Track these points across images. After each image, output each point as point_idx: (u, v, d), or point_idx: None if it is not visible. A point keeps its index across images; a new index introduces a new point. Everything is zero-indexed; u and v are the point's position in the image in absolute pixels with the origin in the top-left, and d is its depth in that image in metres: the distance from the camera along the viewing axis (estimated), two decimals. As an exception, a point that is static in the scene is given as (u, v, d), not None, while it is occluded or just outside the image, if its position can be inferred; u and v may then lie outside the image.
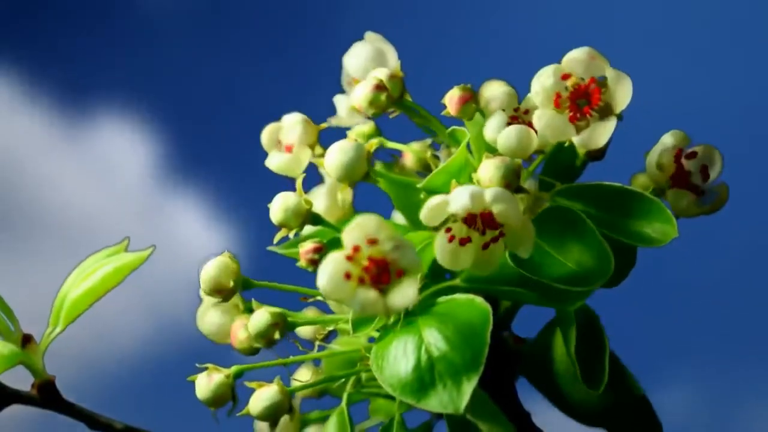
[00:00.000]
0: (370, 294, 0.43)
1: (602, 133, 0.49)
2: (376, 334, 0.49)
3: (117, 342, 1.21)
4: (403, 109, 0.54)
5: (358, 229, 0.44)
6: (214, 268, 0.51)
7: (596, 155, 0.53)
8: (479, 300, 0.46)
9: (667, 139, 0.52)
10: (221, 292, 0.51)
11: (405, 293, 0.43)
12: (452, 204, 0.45)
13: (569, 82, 0.49)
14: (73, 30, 1.30)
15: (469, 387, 0.43)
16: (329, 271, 0.43)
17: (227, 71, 1.20)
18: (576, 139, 0.49)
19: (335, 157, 0.50)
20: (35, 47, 1.29)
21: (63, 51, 1.30)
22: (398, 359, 0.45)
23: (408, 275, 0.43)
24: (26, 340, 0.53)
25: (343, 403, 0.52)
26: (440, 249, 0.46)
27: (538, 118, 0.49)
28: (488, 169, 0.48)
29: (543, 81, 0.50)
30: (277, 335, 0.50)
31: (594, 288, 0.47)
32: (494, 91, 0.51)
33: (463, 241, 0.46)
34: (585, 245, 0.47)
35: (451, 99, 0.52)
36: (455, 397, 0.43)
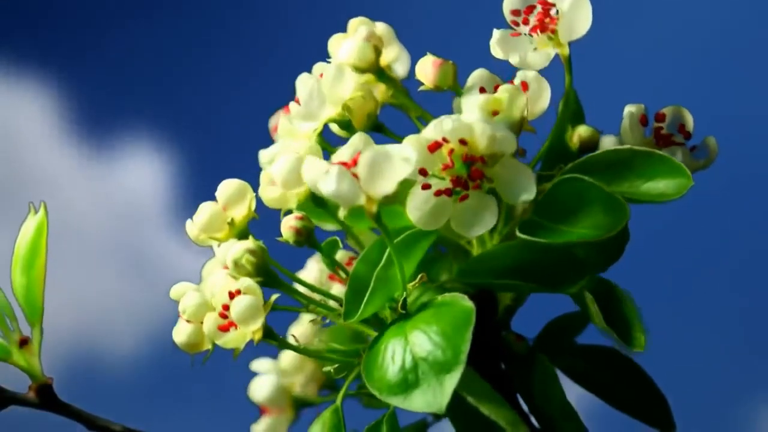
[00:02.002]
0: (347, 175, 0.43)
1: (579, 15, 0.49)
2: (370, 331, 0.49)
3: (115, 344, 1.21)
4: (387, 82, 0.53)
5: (350, 148, 0.44)
6: (232, 184, 0.50)
7: (589, 146, 0.52)
8: (463, 299, 0.46)
9: (628, 110, 0.52)
10: (218, 229, 0.50)
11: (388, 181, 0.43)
12: (427, 128, 0.45)
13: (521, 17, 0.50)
14: (99, 55, 1.31)
15: (450, 384, 0.43)
16: (314, 161, 0.44)
17: (246, 100, 1.21)
18: (560, 35, 0.49)
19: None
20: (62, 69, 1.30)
21: (90, 76, 1.31)
22: (385, 363, 0.45)
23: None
24: (24, 342, 0.53)
25: (338, 402, 0.51)
26: (414, 200, 0.45)
27: (514, 60, 0.49)
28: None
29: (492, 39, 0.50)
30: (247, 259, 0.48)
31: (606, 235, 0.46)
32: (472, 79, 0.50)
33: (438, 192, 0.45)
34: (593, 205, 0.47)
35: (425, 68, 0.52)
36: (438, 395, 0.43)
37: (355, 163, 0.44)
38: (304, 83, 0.51)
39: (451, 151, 0.45)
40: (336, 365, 0.51)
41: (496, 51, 0.50)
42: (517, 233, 0.47)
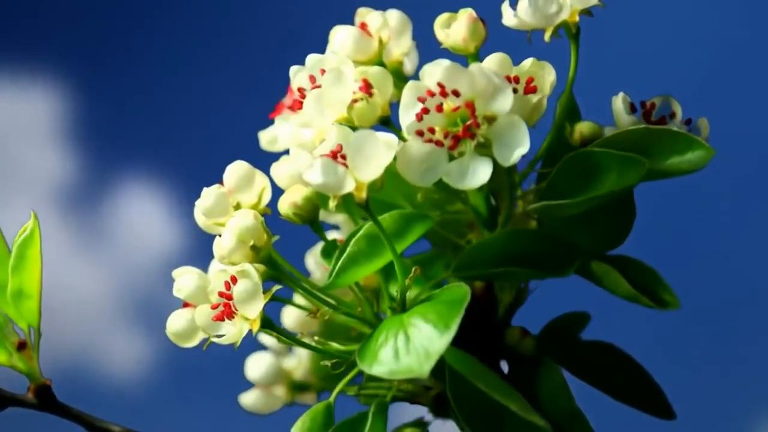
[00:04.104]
0: (332, 164, 0.43)
1: None
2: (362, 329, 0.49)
3: (115, 348, 1.21)
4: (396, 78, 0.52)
5: (331, 141, 0.45)
6: (239, 167, 0.49)
7: (591, 142, 0.52)
8: (459, 285, 0.45)
9: (616, 98, 0.52)
10: (223, 213, 0.48)
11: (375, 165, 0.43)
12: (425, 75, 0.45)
13: None
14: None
15: (437, 347, 0.43)
16: (299, 154, 0.44)
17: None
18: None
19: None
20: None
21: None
22: (378, 344, 0.45)
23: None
24: (22, 345, 0.53)
25: (332, 398, 0.51)
26: (407, 152, 0.45)
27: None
28: None
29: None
30: (256, 243, 0.47)
31: (629, 185, 0.46)
32: (488, 63, 0.49)
33: (429, 140, 0.45)
34: (606, 172, 0.47)
35: (456, 23, 0.50)
36: (424, 360, 0.43)
37: (335, 155, 0.44)
38: (296, 75, 0.50)
39: (444, 93, 0.45)
40: (334, 360, 0.50)
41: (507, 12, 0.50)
42: (528, 207, 0.47)
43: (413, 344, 0.44)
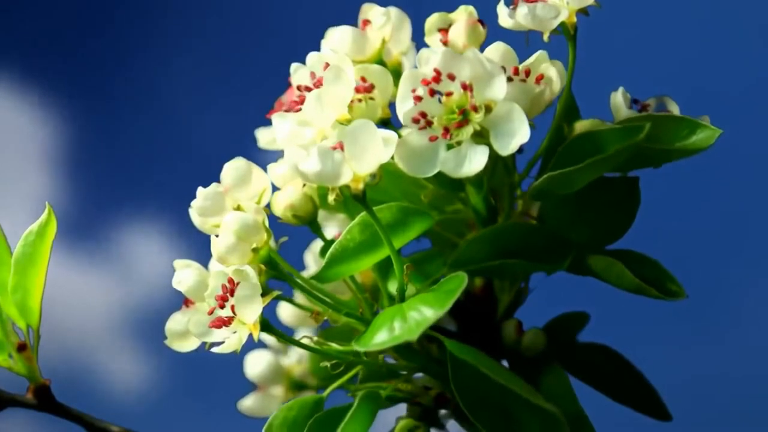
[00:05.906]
0: (330, 153, 0.43)
1: None
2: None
3: (115, 358, 1.22)
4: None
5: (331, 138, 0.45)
6: (236, 164, 0.48)
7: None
8: (457, 274, 0.45)
9: (615, 92, 0.52)
10: (218, 212, 0.47)
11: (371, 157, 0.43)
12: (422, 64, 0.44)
13: None
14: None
15: (426, 320, 0.43)
16: (295, 148, 0.45)
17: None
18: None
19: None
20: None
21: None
22: (377, 328, 0.45)
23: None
24: (22, 347, 0.53)
25: (325, 394, 0.51)
26: (404, 145, 0.45)
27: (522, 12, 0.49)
28: None
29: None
30: (255, 242, 0.46)
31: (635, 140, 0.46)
32: (491, 53, 0.48)
33: (423, 128, 0.45)
34: (607, 148, 0.47)
35: (455, 31, 0.50)
36: (413, 329, 0.43)
37: (334, 150, 0.43)
38: (297, 72, 0.49)
39: (440, 79, 0.45)
40: (333, 361, 0.50)
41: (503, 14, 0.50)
42: (532, 185, 0.47)
43: (408, 322, 0.43)
